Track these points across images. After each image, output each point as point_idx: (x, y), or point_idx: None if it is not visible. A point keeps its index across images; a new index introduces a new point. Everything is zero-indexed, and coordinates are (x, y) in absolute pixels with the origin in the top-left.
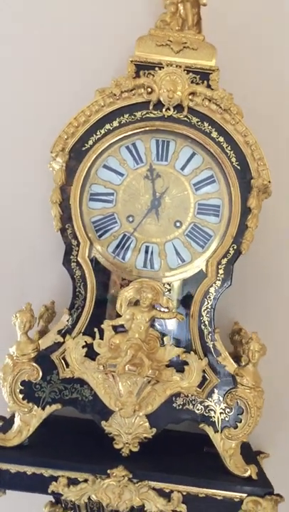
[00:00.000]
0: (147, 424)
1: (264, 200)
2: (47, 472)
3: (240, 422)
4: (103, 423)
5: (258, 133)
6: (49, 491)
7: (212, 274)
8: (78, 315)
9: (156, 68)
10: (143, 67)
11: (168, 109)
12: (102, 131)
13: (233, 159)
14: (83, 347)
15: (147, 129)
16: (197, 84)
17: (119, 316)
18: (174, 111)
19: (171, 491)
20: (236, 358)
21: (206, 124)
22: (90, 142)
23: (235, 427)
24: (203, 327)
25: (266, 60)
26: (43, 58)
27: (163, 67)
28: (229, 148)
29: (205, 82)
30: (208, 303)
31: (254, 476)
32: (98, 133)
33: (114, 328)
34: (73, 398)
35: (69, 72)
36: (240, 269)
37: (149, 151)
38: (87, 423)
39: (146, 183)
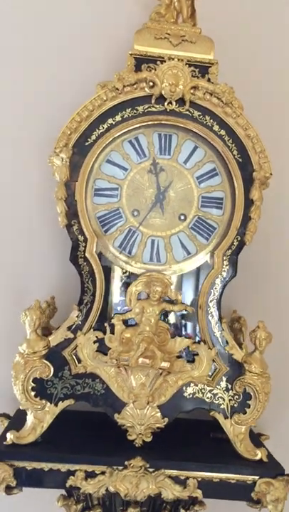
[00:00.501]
0: (159, 414)
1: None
2: (64, 467)
3: (249, 407)
4: (116, 416)
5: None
6: (67, 486)
7: (218, 266)
8: (88, 310)
9: (158, 62)
10: (143, 61)
11: (170, 103)
12: (105, 126)
13: (235, 152)
14: (94, 342)
15: (150, 123)
16: (197, 77)
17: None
18: (175, 105)
19: (187, 478)
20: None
21: (207, 118)
22: (93, 137)
23: (244, 413)
24: (210, 318)
25: (262, 51)
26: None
27: (164, 61)
28: (231, 141)
29: (204, 75)
30: (214, 294)
31: (264, 459)
32: (101, 127)
33: (124, 322)
34: (85, 393)
35: (57, 66)
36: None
37: (152, 145)
38: (96, 416)
39: (150, 177)
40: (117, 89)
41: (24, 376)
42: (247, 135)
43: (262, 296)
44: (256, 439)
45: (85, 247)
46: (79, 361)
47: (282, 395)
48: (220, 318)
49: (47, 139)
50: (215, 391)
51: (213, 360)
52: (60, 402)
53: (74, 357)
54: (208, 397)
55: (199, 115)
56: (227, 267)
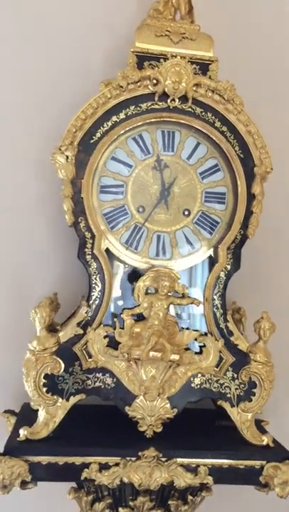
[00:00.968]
0: (168, 405)
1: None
2: (78, 460)
3: (254, 395)
4: (127, 408)
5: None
6: (82, 478)
7: (223, 260)
8: (97, 306)
9: (160, 59)
10: (145, 58)
11: (173, 100)
12: (110, 124)
13: (237, 148)
14: (105, 337)
15: (153, 120)
16: (198, 74)
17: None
18: (178, 102)
19: (198, 466)
20: None
21: (209, 115)
22: (98, 135)
23: (250, 401)
24: (215, 310)
25: (259, 47)
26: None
27: (166, 58)
28: (232, 137)
29: (205, 72)
30: (219, 287)
31: (271, 444)
32: (105, 125)
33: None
34: (96, 387)
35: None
36: None
37: (156, 142)
38: (105, 410)
39: (155, 173)
40: (121, 86)
41: (36, 373)
42: (248, 131)
43: (260, 286)
44: (259, 425)
45: (93, 243)
46: (90, 356)
47: (280, 383)
48: (225, 311)
49: (45, 137)
50: (221, 381)
51: (220, 351)
52: (72, 396)
53: (84, 352)
54: (215, 387)
55: (201, 112)
56: (231, 261)
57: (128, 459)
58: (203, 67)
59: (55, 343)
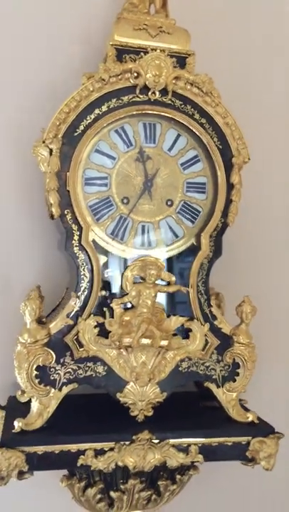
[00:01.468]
0: (158, 389)
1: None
2: (74, 448)
3: (238, 375)
4: (118, 394)
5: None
6: (78, 465)
7: (206, 247)
8: (86, 297)
9: (139, 53)
10: (124, 52)
11: (153, 93)
12: (93, 116)
13: (215, 139)
14: (95, 327)
15: (134, 112)
16: (176, 68)
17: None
18: (159, 95)
19: (189, 445)
20: None
21: (188, 107)
22: (82, 127)
23: (234, 381)
24: (200, 296)
25: (235, 41)
26: None
27: (146, 52)
28: (211, 129)
29: (183, 66)
30: (202, 274)
31: (255, 421)
32: (88, 118)
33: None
34: (88, 376)
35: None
36: None
37: (138, 134)
38: (96, 398)
39: (138, 165)
40: (104, 80)
41: (28, 365)
42: (226, 123)
43: (235, 272)
44: (241, 404)
45: (80, 235)
46: (81, 346)
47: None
48: (208, 296)
49: (21, 128)
50: (207, 363)
51: (205, 335)
52: (64, 386)
53: (76, 342)
54: (201, 370)
55: (181, 104)
56: (213, 248)
57: (122, 443)
58: (180, 60)
59: (46, 335)
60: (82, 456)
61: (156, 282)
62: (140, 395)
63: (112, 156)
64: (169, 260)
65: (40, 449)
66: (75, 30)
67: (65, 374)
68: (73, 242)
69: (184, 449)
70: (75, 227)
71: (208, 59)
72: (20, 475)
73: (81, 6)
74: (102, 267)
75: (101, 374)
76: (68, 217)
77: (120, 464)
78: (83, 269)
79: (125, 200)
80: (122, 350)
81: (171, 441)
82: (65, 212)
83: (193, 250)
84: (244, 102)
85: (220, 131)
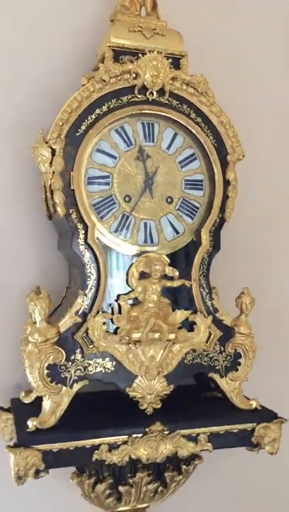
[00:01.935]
0: (165, 382)
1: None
2: (88, 443)
3: (240, 365)
4: (127, 389)
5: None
6: (93, 460)
7: (206, 242)
8: (93, 295)
9: (137, 54)
10: (121, 53)
11: (151, 93)
12: (93, 116)
13: (211, 138)
14: (104, 323)
15: (133, 112)
16: (171, 69)
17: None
18: (156, 95)
19: (198, 435)
20: None
21: (185, 106)
22: (83, 127)
23: (237, 370)
24: (202, 289)
25: (226, 42)
26: None
27: (144, 53)
28: (206, 127)
29: (178, 67)
30: (203, 268)
31: (258, 407)
32: (90, 118)
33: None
34: (97, 372)
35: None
36: None
37: (137, 134)
38: (104, 395)
39: (138, 164)
40: (104, 80)
41: (40, 364)
42: (220, 122)
43: (230, 266)
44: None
45: (85, 234)
46: (91, 343)
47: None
48: (210, 289)
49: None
50: (211, 355)
51: (209, 327)
52: (75, 384)
53: (86, 340)
54: (205, 361)
55: (177, 104)
56: (212, 243)
57: (134, 436)
58: (175, 61)
59: (56, 334)
60: (96, 451)
61: (161, 278)
62: (148, 389)
63: (113, 155)
64: (171, 256)
65: (55, 447)
66: (72, 29)
67: (75, 371)
68: (79, 240)
69: (194, 439)
70: (80, 225)
71: (202, 59)
72: (37, 474)
73: (76, 6)
74: (107, 264)
75: (110, 370)
76: (73, 216)
77: (133, 456)
78: (89, 267)
79: (127, 198)
80: (130, 345)
81: (182, 431)
82: (70, 212)
83: (193, 246)
84: (239, 100)
85: (215, 129)
